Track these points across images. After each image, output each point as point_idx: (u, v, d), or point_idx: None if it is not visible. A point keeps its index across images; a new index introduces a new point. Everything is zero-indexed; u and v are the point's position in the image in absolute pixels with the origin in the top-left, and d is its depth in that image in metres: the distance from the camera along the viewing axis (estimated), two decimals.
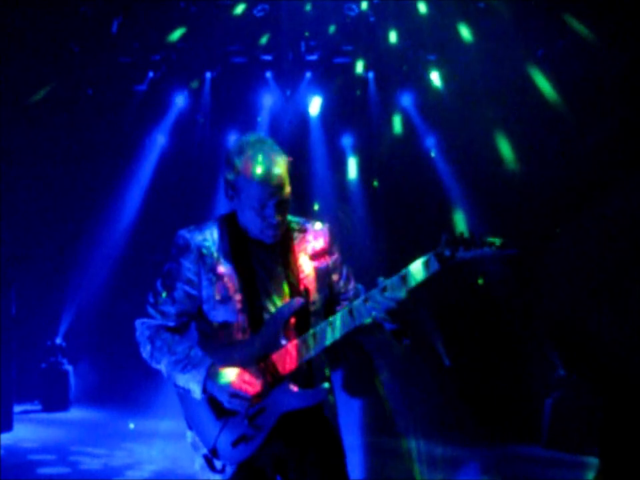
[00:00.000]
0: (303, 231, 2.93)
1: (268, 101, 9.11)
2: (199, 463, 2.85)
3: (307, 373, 2.80)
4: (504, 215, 8.29)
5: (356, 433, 7.73)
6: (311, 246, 2.91)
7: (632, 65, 7.37)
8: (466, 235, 2.63)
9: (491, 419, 8.08)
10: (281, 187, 2.75)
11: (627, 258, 7.57)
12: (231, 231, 2.86)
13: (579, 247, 7.88)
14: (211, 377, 2.72)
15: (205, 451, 2.80)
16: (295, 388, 2.75)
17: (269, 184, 2.72)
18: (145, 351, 2.87)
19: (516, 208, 8.19)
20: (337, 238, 2.99)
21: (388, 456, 7.14)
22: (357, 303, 2.70)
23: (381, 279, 2.69)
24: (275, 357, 2.75)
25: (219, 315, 2.81)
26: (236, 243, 2.84)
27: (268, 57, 8.56)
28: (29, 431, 7.70)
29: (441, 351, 8.79)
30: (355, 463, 5.77)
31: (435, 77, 8.58)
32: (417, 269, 2.65)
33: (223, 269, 2.81)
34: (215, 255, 2.83)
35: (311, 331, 2.75)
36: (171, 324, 2.86)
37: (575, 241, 7.90)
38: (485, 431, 7.95)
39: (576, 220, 7.93)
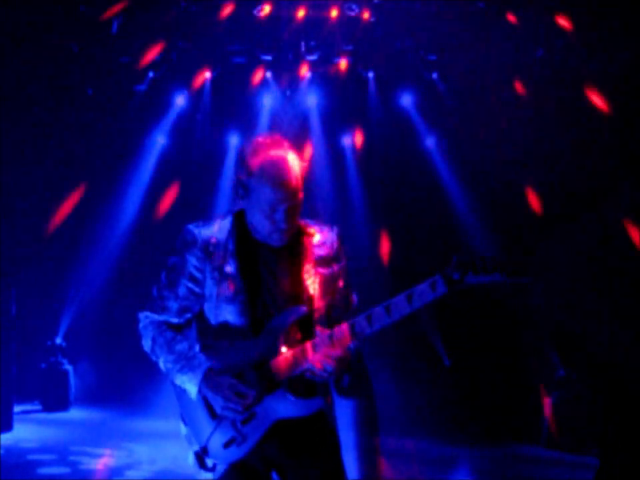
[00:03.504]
0: (311, 235, 2.86)
1: (268, 101, 9.11)
2: (191, 458, 2.84)
3: (304, 382, 2.76)
4: (504, 215, 8.30)
5: (355, 433, 7.72)
6: (319, 251, 2.84)
7: (632, 65, 7.37)
8: (477, 257, 2.53)
9: (491, 418, 8.08)
10: (293, 192, 2.69)
11: (627, 258, 7.58)
12: (239, 230, 2.82)
13: (579, 246, 7.89)
14: (206, 381, 2.70)
15: (196, 448, 2.79)
16: (290, 396, 2.72)
17: (281, 189, 2.66)
18: (146, 344, 2.87)
19: (516, 208, 8.19)
20: (345, 243, 2.94)
21: (388, 456, 7.13)
22: (359, 319, 2.65)
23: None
24: (274, 363, 2.71)
25: (220, 314, 2.78)
26: (243, 244, 2.80)
27: (268, 57, 8.56)
28: (28, 431, 7.69)
29: (441, 350, 8.78)
30: (353, 463, 5.77)
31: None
32: (423, 290, 2.57)
33: (228, 268, 2.77)
34: (222, 253, 2.78)
35: (312, 341, 2.70)
36: (174, 320, 2.84)
37: (575, 241, 7.90)
38: (484, 431, 7.95)
39: (577, 220, 7.93)
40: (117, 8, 7.80)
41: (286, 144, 2.77)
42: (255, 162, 2.70)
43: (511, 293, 8.08)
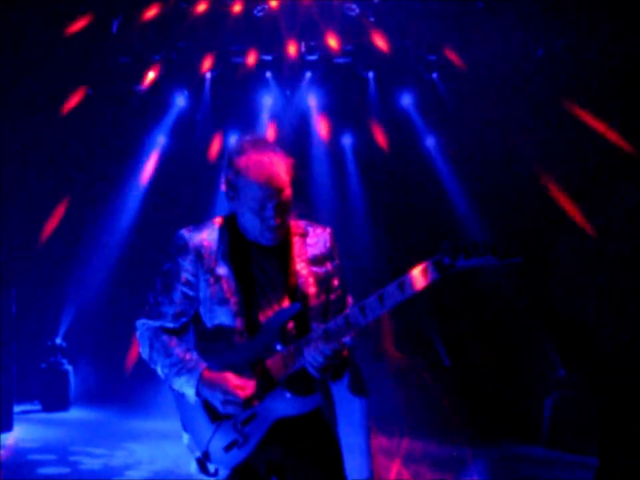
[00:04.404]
0: (304, 234, 2.88)
1: (268, 101, 9.11)
2: (194, 465, 2.84)
3: (301, 380, 2.76)
4: (504, 215, 8.29)
5: (356, 433, 7.72)
6: (312, 250, 2.86)
7: (631, 65, 7.37)
8: (467, 241, 2.53)
9: (490, 418, 8.08)
10: (281, 188, 2.72)
11: (627, 257, 7.57)
12: (231, 232, 2.84)
13: (579, 246, 7.89)
14: (203, 381, 2.71)
15: (198, 453, 2.79)
16: (288, 395, 2.72)
17: (268, 185, 2.69)
18: (144, 351, 2.87)
19: (516, 207, 8.19)
20: (338, 242, 2.94)
21: (388, 456, 7.14)
22: (352, 310, 2.66)
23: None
24: (270, 362, 2.72)
25: (215, 317, 2.79)
26: (235, 245, 2.82)
27: (268, 57, 8.56)
28: (29, 431, 7.70)
29: (441, 351, 8.79)
30: (354, 464, 5.77)
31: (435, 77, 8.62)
32: (414, 277, 2.57)
33: (220, 270, 2.79)
34: (214, 256, 2.80)
35: (306, 338, 2.71)
36: (170, 325, 2.85)
37: (576, 240, 7.90)
38: (485, 431, 7.95)
39: (576, 219, 7.94)
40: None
41: (271, 142, 2.82)
42: (242, 161, 2.74)
43: (512, 293, 8.11)
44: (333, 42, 8.22)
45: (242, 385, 2.68)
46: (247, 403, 2.68)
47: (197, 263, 2.80)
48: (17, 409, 8.23)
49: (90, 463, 6.49)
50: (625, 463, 5.09)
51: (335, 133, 9.27)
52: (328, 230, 2.94)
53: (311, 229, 2.91)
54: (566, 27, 7.65)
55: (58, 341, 9.09)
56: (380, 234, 9.08)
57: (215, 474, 2.78)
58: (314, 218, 3.03)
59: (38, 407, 8.90)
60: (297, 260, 2.83)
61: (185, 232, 2.85)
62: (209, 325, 2.82)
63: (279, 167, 2.73)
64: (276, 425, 2.74)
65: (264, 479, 2.82)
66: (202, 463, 2.79)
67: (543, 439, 7.73)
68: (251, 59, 8.37)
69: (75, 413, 8.79)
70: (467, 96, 8.42)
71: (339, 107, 9.02)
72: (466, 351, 8.61)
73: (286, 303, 2.77)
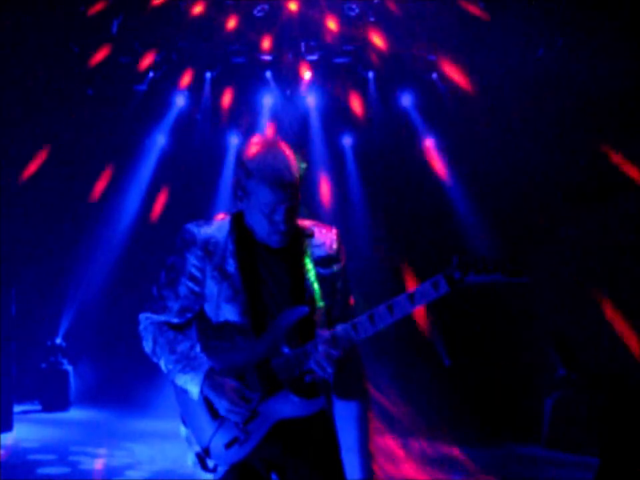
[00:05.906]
0: (310, 235, 2.86)
1: (268, 101, 9.12)
2: (191, 459, 2.83)
3: (306, 382, 2.75)
4: (504, 216, 8.30)
5: (355, 433, 7.73)
6: (318, 252, 2.85)
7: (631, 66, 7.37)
8: (477, 257, 2.56)
9: (491, 418, 8.08)
10: (292, 192, 2.69)
11: (626, 258, 7.58)
12: (239, 231, 2.81)
13: (578, 247, 7.89)
14: (208, 382, 2.70)
15: (198, 449, 2.79)
16: (292, 396, 2.72)
17: (280, 189, 2.66)
18: (147, 346, 2.85)
19: (516, 208, 8.19)
20: (345, 243, 2.93)
21: (389, 456, 7.14)
22: (361, 318, 2.66)
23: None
24: (275, 363, 2.72)
25: (221, 314, 2.78)
26: (242, 244, 2.79)
27: (268, 57, 8.56)
28: (29, 431, 7.69)
29: (441, 350, 8.79)
30: (354, 464, 5.77)
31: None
32: (425, 290, 2.59)
33: (228, 268, 2.77)
34: (221, 252, 2.78)
35: (313, 342, 2.70)
36: (174, 320, 2.83)
37: (575, 241, 7.91)
38: (485, 430, 7.95)
39: (576, 220, 7.94)
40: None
41: (284, 145, 2.78)
42: (253, 163, 2.71)
43: (511, 293, 8.10)
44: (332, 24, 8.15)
45: (249, 397, 2.69)
46: (250, 411, 2.69)
47: (204, 259, 2.78)
48: (17, 408, 8.22)
49: (90, 463, 6.49)
50: (625, 463, 5.09)
51: (335, 133, 9.27)
52: (334, 230, 2.92)
53: (317, 230, 2.89)
54: (566, 27, 7.65)
55: (58, 340, 9.09)
56: (380, 234, 9.08)
57: (214, 470, 2.78)
58: (314, 218, 3.02)
59: (38, 407, 8.90)
60: (304, 261, 2.82)
61: (193, 226, 2.82)
62: (214, 322, 2.80)
63: (291, 171, 2.70)
64: (278, 425, 2.73)
65: (262, 476, 2.83)
66: (201, 458, 2.79)
67: (542, 438, 7.73)
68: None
69: (74, 413, 8.78)
70: (467, 96, 8.42)
71: (339, 107, 9.02)
72: (466, 351, 8.61)
73: (292, 304, 2.75)
